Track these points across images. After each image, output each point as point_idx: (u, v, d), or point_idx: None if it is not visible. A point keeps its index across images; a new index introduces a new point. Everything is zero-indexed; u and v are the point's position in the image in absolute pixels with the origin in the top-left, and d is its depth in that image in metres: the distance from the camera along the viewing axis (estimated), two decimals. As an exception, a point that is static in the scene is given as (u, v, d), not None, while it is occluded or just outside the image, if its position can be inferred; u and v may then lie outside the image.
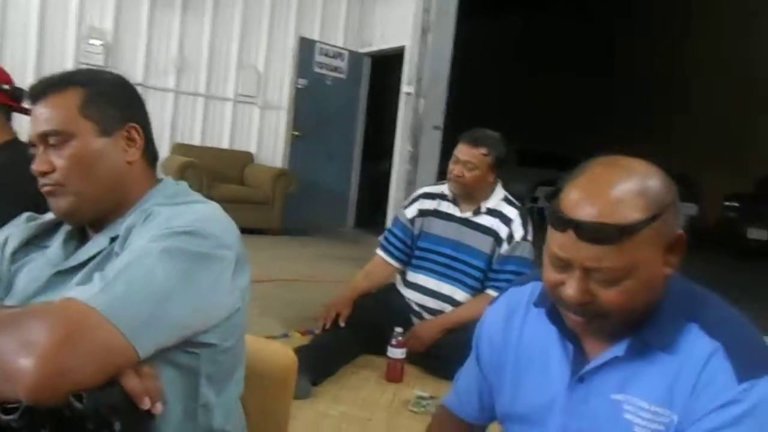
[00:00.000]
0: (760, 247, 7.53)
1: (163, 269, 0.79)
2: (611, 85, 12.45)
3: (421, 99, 5.80)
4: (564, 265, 0.84)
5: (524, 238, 2.51)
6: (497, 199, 2.60)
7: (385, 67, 6.85)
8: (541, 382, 0.97)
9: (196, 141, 6.18)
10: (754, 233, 7.50)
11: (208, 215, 0.91)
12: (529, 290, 1.04)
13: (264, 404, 1.12)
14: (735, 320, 0.87)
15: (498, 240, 2.53)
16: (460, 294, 2.57)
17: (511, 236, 2.52)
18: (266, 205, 5.79)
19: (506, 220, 2.54)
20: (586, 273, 0.82)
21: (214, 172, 5.65)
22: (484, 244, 2.55)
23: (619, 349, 0.88)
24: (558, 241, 0.83)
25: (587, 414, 0.91)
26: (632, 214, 0.79)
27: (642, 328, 0.87)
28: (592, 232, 0.79)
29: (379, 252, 2.77)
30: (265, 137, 6.57)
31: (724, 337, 0.84)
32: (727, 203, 8.16)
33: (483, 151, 2.51)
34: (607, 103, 12.30)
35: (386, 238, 2.77)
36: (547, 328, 0.97)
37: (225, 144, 6.38)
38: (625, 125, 11.48)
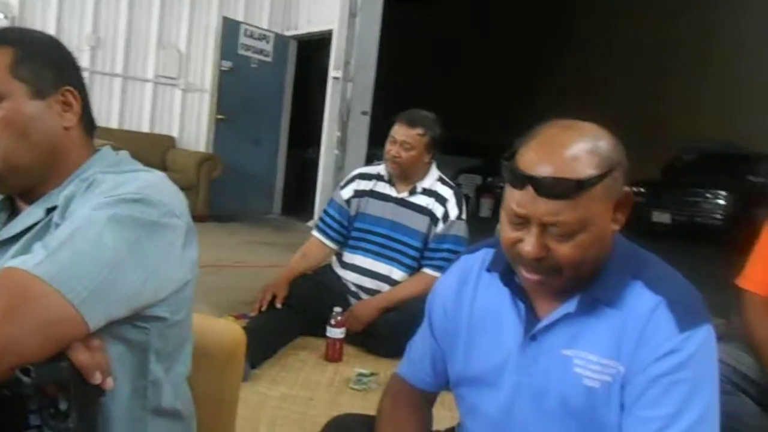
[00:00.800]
0: (663, 230, 8.08)
1: (112, 237, 0.75)
2: (532, 76, 12.90)
3: (348, 83, 5.79)
4: (522, 222, 0.87)
5: (459, 217, 2.57)
6: (433, 179, 2.64)
7: (312, 51, 6.78)
8: (494, 343, 1.00)
9: (114, 124, 5.88)
10: (659, 217, 8.03)
11: (156, 183, 0.86)
12: (481, 257, 1.07)
13: (212, 383, 1.09)
14: (674, 277, 0.94)
15: (434, 219, 2.58)
16: (397, 273, 2.60)
17: (446, 215, 2.57)
18: (190, 191, 5.60)
19: (442, 200, 2.59)
20: (543, 228, 0.86)
21: (134, 157, 5.30)
22: (420, 223, 2.59)
23: (570, 305, 0.92)
24: (516, 199, 0.87)
25: (539, 371, 0.95)
26: (586, 170, 0.84)
27: (590, 286, 0.92)
28: (550, 188, 0.84)
29: (315, 233, 2.75)
30: (188, 121, 6.35)
31: (665, 292, 0.90)
32: (634, 189, 8.67)
33: (419, 131, 2.54)
34: (528, 94, 12.73)
35: (322, 219, 2.75)
36: (499, 292, 1.00)
37: (145, 127, 6.11)
38: (544, 116, 11.89)
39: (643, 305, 0.90)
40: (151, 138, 6.03)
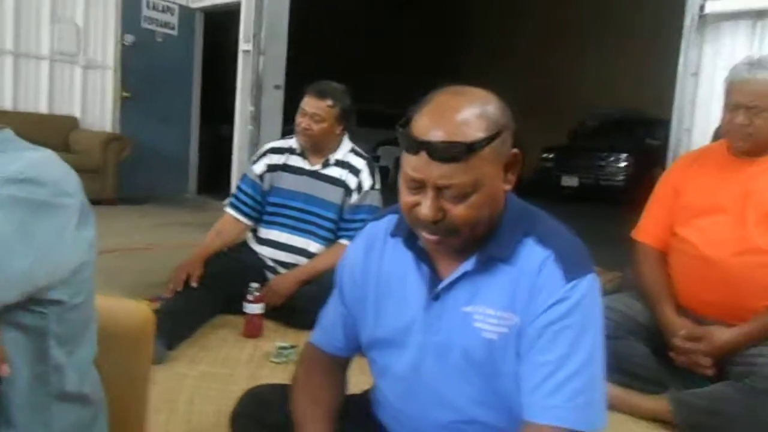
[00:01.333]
0: (572, 193, 8.50)
1: None
2: (446, 48, 13.04)
3: (260, 57, 5.63)
4: (418, 186, 0.91)
5: (373, 188, 2.60)
6: (345, 150, 2.66)
7: (222, 23, 6.55)
8: (400, 305, 1.04)
9: (7, 105, 5.47)
10: (567, 181, 8.44)
11: (44, 161, 0.83)
12: (386, 223, 1.10)
13: (121, 366, 1.08)
14: (562, 232, 1.01)
15: (348, 190, 2.60)
16: (313, 246, 2.61)
17: (360, 186, 2.60)
18: (97, 174, 5.34)
19: (355, 171, 2.61)
20: (438, 191, 0.90)
21: (32, 139, 4.67)
22: (334, 195, 2.60)
23: (468, 264, 0.98)
24: (412, 164, 0.91)
25: (442, 328, 1.00)
26: (476, 133, 0.89)
27: (486, 245, 0.97)
28: (443, 152, 0.88)
29: (229, 210, 2.71)
30: (90, 99, 5.99)
31: (554, 246, 0.96)
32: (544, 155, 9.06)
33: (329, 102, 2.54)
34: (443, 66, 12.87)
35: (236, 196, 2.71)
36: (404, 256, 1.04)
37: (43, 108, 5.72)
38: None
39: (534, 260, 0.96)
40: (51, 119, 5.66)
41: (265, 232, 2.68)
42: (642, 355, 1.95)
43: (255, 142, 5.54)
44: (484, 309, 0.97)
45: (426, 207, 0.91)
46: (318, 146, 2.61)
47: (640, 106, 8.98)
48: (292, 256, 2.62)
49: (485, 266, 0.98)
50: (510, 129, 0.95)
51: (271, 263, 2.66)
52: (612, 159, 8.12)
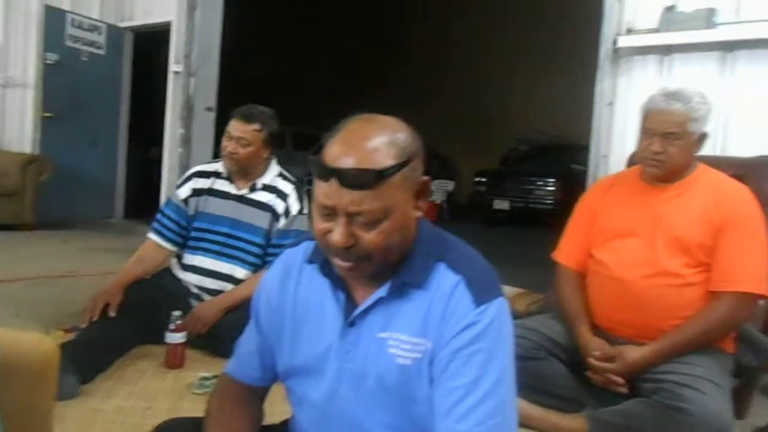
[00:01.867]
0: (504, 216, 8.73)
1: None
2: (381, 74, 13.23)
3: (191, 78, 5.55)
4: (330, 213, 0.92)
5: (301, 212, 2.59)
6: (272, 174, 2.63)
7: (151, 43, 6.41)
8: (317, 333, 1.04)
9: None
10: (499, 204, 8.66)
11: None
12: (303, 249, 1.10)
13: (22, 402, 1.03)
14: (473, 258, 1.03)
15: (275, 215, 2.57)
16: (240, 272, 2.56)
17: (287, 211, 2.58)
18: (15, 197, 5.07)
19: (282, 195, 2.59)
20: (350, 218, 0.91)
21: None
22: (261, 220, 2.57)
23: (382, 290, 0.98)
24: (323, 191, 0.92)
25: (358, 355, 1.00)
26: (385, 160, 0.90)
27: (399, 271, 0.98)
28: (353, 179, 0.89)
29: (151, 235, 2.63)
30: (9, 119, 5.74)
31: (464, 271, 0.98)
32: (477, 179, 9.28)
33: (256, 126, 2.52)
34: (377, 91, 13.04)
35: (158, 221, 2.64)
36: (320, 282, 1.04)
37: (-45, 127, 5.42)
38: (401, 117, 12.34)
39: (445, 285, 0.98)
40: (-37, 139, 5.37)
41: (190, 258, 2.61)
42: (561, 375, 2.01)
43: (185, 165, 5.42)
44: (398, 335, 0.98)
45: (338, 234, 0.91)
46: (245, 170, 2.58)
47: (565, 133, 9.37)
48: (218, 282, 2.56)
49: (399, 292, 0.99)
50: (420, 157, 0.97)
51: (195, 290, 2.59)
52: (540, 183, 8.40)
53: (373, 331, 0.99)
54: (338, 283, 1.02)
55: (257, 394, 1.18)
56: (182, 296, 2.57)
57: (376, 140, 0.92)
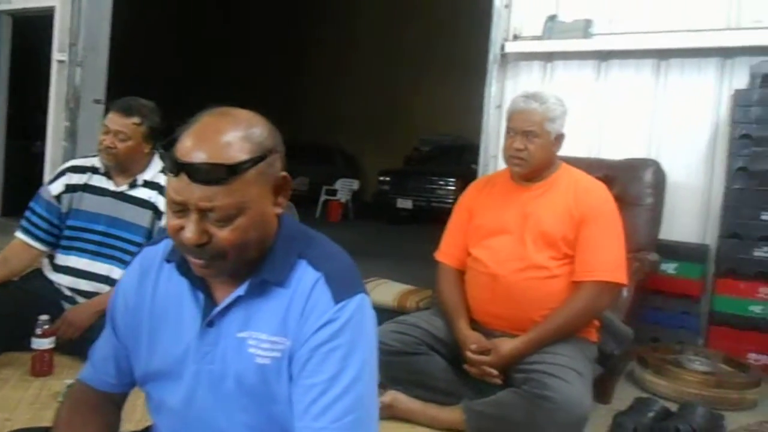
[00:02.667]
0: (407, 215, 8.88)
1: None
2: (285, 73, 13.07)
3: (77, 68, 5.22)
4: (182, 209, 0.88)
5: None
6: (155, 170, 2.51)
7: (32, 29, 5.96)
8: (175, 334, 1.00)
9: None
10: (402, 203, 8.81)
11: None
12: (162, 247, 1.05)
13: None
14: (335, 255, 1.02)
15: (157, 213, 2.46)
16: (117, 272, 2.42)
17: (170, 208, 2.47)
18: None
19: (165, 192, 2.48)
20: (202, 214, 0.87)
21: None
22: (142, 218, 2.45)
23: (241, 289, 0.95)
24: (174, 186, 0.88)
25: (217, 356, 0.97)
26: (239, 155, 0.87)
27: (259, 268, 0.96)
28: (204, 174, 0.86)
29: (19, 234, 2.44)
30: None
31: (325, 268, 0.97)
32: (381, 178, 9.38)
33: (135, 120, 2.40)
34: (282, 89, 12.88)
35: (27, 218, 2.45)
36: (179, 282, 1.00)
37: None
38: (313, 117, 12.32)
39: (305, 282, 0.96)
40: None
41: (63, 259, 2.45)
42: (441, 369, 2.06)
43: (70, 160, 5.09)
44: (258, 334, 0.95)
45: (189, 231, 0.88)
46: (123, 166, 2.44)
47: (465, 134, 9.65)
48: (94, 284, 2.42)
49: (259, 290, 0.96)
50: (278, 152, 0.95)
51: (69, 293, 2.43)
52: (442, 182, 8.62)
53: (232, 331, 0.96)
54: (197, 282, 0.99)
55: (113, 401, 1.12)
56: (54, 299, 2.40)
57: (229, 134, 0.88)
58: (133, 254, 2.41)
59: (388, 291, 3.19)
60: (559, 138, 2.05)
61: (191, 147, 0.87)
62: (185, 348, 0.99)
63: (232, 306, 0.97)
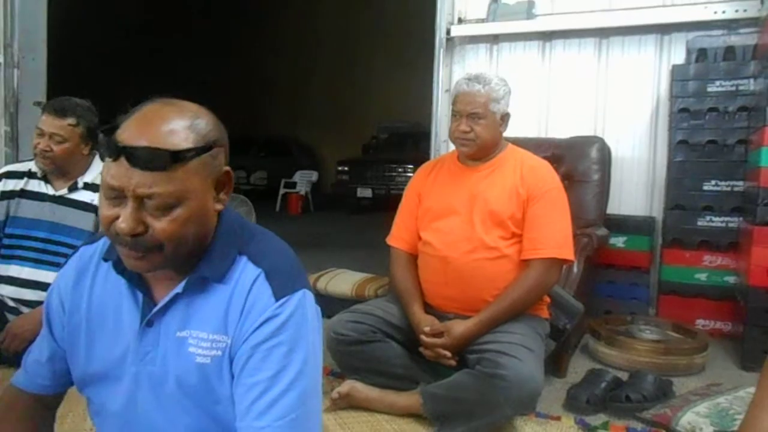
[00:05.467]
0: (367, 204, 8.88)
1: None
2: (243, 66, 12.86)
3: (14, 70, 5.01)
4: (118, 196, 0.85)
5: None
6: (96, 172, 2.44)
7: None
8: (113, 336, 0.98)
9: None
10: (362, 192, 8.80)
11: None
12: (100, 246, 1.03)
13: None
14: (277, 251, 1.00)
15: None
16: (62, 279, 2.36)
17: (114, 210, 2.41)
18: None
19: (106, 192, 2.41)
20: (139, 202, 0.85)
21: None
22: (85, 221, 2.37)
23: (179, 287, 0.93)
24: (112, 172, 0.85)
25: (157, 356, 0.95)
26: (182, 143, 0.86)
27: (198, 265, 0.94)
28: (144, 158, 0.83)
29: (-47, 245, 2.34)
30: None
31: (265, 264, 0.95)
32: (339, 168, 9.34)
33: (71, 121, 2.32)
34: (241, 84, 12.68)
35: (-41, 229, 2.35)
36: (117, 281, 0.98)
37: None
38: (269, 110, 12.14)
39: (246, 279, 0.94)
40: None
41: (3, 269, 2.36)
42: (398, 355, 2.07)
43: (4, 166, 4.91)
44: (198, 333, 0.94)
45: (124, 220, 0.84)
46: (62, 169, 2.37)
47: (421, 119, 9.66)
48: (38, 293, 2.33)
49: (198, 288, 0.95)
50: (223, 147, 0.93)
51: (12, 303, 2.35)
52: (401, 169, 8.63)
53: (172, 331, 0.95)
54: (135, 281, 0.97)
55: (45, 405, 1.09)
56: (-4, 311, 2.32)
57: (174, 122, 0.87)
58: (78, 260, 2.38)
59: (346, 281, 3.19)
60: (505, 117, 2.07)
61: (133, 132, 0.85)
62: (124, 349, 0.97)
63: (172, 304, 0.95)
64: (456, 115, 2.06)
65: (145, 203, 0.85)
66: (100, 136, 0.87)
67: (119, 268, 0.96)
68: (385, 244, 2.25)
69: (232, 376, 0.93)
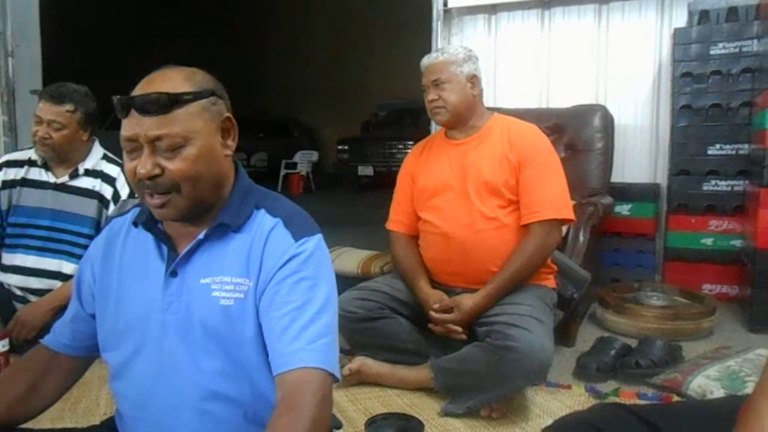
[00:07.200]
0: (369, 182, 8.85)
1: None
2: (241, 50, 12.74)
3: (8, 59, 4.97)
4: (134, 148, 0.95)
5: (132, 196, 2.42)
6: (96, 158, 2.43)
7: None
8: (141, 289, 1.04)
9: None
10: (363, 170, 8.77)
11: None
12: (130, 216, 1.11)
13: None
14: (291, 205, 1.07)
15: (103, 202, 2.39)
16: (68, 266, 2.36)
17: (116, 195, 2.39)
18: None
19: (109, 180, 2.40)
20: (152, 147, 0.94)
21: None
22: (87, 208, 2.37)
23: (201, 234, 1.00)
24: (125, 125, 0.96)
25: (182, 304, 1.00)
26: (180, 88, 0.96)
27: (217, 215, 1.01)
28: (147, 103, 0.93)
29: (-46, 235, 2.34)
30: None
31: (282, 215, 1.03)
32: (339, 147, 9.30)
33: (69, 107, 2.30)
34: (237, 67, 12.57)
35: (-37, 219, 2.35)
36: (145, 241, 1.06)
37: None
38: (268, 91, 12.04)
39: (264, 227, 1.01)
40: None
41: (9, 258, 2.36)
42: (406, 330, 2.07)
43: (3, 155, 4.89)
44: (221, 278, 0.99)
45: (142, 165, 0.93)
46: (62, 156, 2.35)
47: (420, 95, 9.61)
48: (44, 281, 2.34)
49: (218, 235, 1.00)
50: (223, 98, 1.02)
51: (19, 292, 2.36)
52: (401, 147, 8.58)
53: (196, 278, 1.00)
54: (161, 236, 1.04)
55: (60, 366, 1.13)
56: (5, 301, 2.32)
57: (172, 76, 0.98)
58: (82, 246, 2.38)
59: (351, 258, 3.18)
60: (474, 80, 2.07)
61: (138, 88, 0.96)
62: (152, 300, 1.02)
63: (194, 254, 1.01)
64: (425, 89, 2.09)
65: (157, 147, 0.94)
66: (114, 99, 0.96)
67: (147, 225, 1.04)
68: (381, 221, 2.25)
69: (257, 317, 0.98)
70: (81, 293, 1.12)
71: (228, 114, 1.02)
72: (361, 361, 2.06)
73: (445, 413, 1.87)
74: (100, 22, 11.75)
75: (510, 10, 3.48)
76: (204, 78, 1.00)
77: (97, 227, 2.39)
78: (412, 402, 1.95)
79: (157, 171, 0.94)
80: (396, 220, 2.20)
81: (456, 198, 2.01)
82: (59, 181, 2.38)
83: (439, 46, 2.10)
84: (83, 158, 2.40)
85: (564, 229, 2.20)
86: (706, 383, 1.91)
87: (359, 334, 2.06)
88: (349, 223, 5.64)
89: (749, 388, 0.89)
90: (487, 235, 1.96)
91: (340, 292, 2.17)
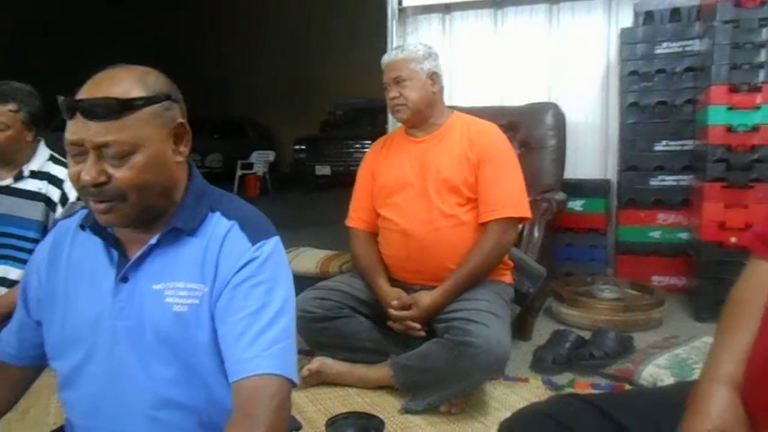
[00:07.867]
0: (326, 181, 8.82)
1: None
2: (197, 47, 12.50)
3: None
4: (80, 152, 0.90)
5: (80, 198, 2.34)
6: (42, 159, 2.34)
7: None
8: (90, 296, 1.00)
9: None
10: (320, 170, 8.73)
11: None
12: (77, 218, 1.06)
13: None
14: (246, 207, 1.05)
15: (50, 204, 2.30)
16: (13, 272, 2.25)
17: (65, 198, 2.31)
18: None
19: (56, 182, 2.32)
20: (99, 153, 0.89)
21: None
22: (33, 211, 2.28)
23: (153, 239, 0.96)
24: (70, 128, 0.90)
25: (133, 311, 0.96)
26: (131, 92, 0.91)
27: (170, 219, 0.97)
28: (95, 108, 0.88)
29: None
30: None
31: (238, 217, 1.00)
32: (296, 147, 9.24)
33: (11, 107, 2.20)
34: (194, 65, 12.32)
35: None
36: (94, 245, 1.01)
37: None
38: (224, 91, 11.84)
39: (219, 230, 0.98)
40: None
41: (-50, 265, 2.26)
42: (366, 329, 2.07)
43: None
44: (174, 283, 0.96)
45: (86, 171, 0.89)
46: (6, 158, 2.25)
47: (378, 94, 9.62)
48: (-11, 286, 2.25)
49: (171, 240, 0.97)
50: (176, 101, 0.97)
51: (-39, 300, 2.25)
52: (358, 145, 8.57)
53: (148, 284, 0.96)
54: (111, 241, 0.99)
55: (10, 376, 1.10)
56: (-55, 310, 2.21)
57: (122, 78, 0.92)
58: (28, 251, 2.29)
59: (310, 258, 3.17)
60: (434, 77, 2.09)
61: (85, 90, 0.91)
62: (101, 307, 0.98)
63: (146, 258, 0.97)
64: (386, 86, 2.10)
65: (104, 153, 0.89)
66: (59, 99, 0.91)
67: (95, 229, 0.99)
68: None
69: (211, 322, 0.95)
70: (27, 300, 1.07)
71: (181, 120, 0.97)
72: (320, 361, 2.06)
73: (406, 410, 1.88)
74: (42, 16, 11.34)
75: (463, 9, 3.52)
76: (157, 80, 0.95)
77: (44, 231, 2.30)
78: (373, 401, 1.96)
79: (102, 178, 0.89)
80: (356, 217, 2.20)
81: (415, 195, 2.02)
82: (2, 183, 2.28)
83: (395, 45, 2.09)
84: (28, 159, 2.31)
85: (520, 225, 2.24)
86: (657, 372, 1.97)
87: (318, 333, 2.05)
88: (307, 224, 5.62)
89: (696, 375, 0.93)
90: (445, 232, 1.97)
91: (298, 293, 2.16)
